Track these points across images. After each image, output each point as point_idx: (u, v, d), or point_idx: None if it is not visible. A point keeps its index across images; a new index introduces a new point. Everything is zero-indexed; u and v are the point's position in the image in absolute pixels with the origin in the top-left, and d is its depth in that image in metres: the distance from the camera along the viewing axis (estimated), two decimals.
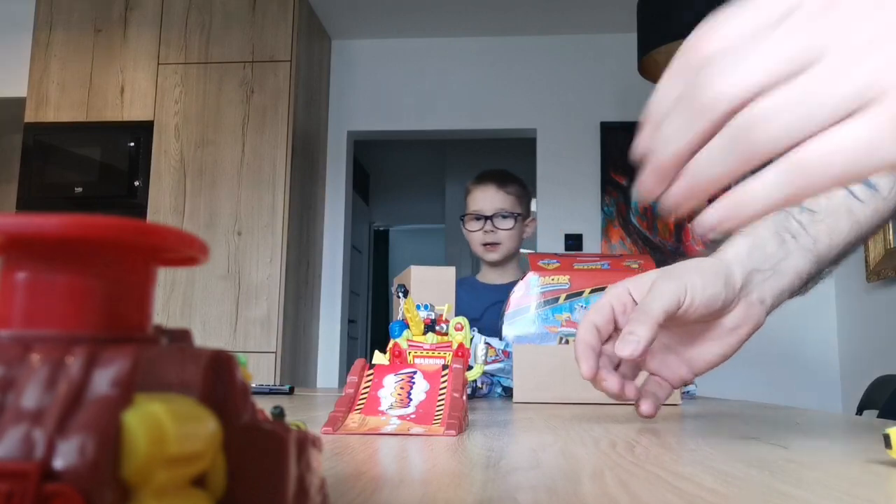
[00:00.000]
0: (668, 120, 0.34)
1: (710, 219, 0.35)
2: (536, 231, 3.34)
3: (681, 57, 0.34)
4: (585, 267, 1.26)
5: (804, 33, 0.30)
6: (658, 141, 0.35)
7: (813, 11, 0.30)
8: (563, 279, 1.24)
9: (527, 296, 1.23)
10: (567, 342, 1.19)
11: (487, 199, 1.82)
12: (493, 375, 1.19)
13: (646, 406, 0.65)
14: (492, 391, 1.21)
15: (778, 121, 0.30)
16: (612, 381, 0.62)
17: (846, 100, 0.29)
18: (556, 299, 1.22)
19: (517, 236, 1.83)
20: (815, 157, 0.30)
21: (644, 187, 0.37)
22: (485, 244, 1.80)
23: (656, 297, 0.60)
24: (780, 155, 0.31)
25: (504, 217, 1.80)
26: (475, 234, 1.82)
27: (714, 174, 0.33)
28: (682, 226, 3.42)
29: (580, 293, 1.23)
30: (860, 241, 0.72)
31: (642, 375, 0.69)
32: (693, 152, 0.33)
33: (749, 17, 0.32)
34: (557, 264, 1.26)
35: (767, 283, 0.66)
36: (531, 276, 1.24)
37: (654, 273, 0.65)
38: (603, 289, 1.23)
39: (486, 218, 1.80)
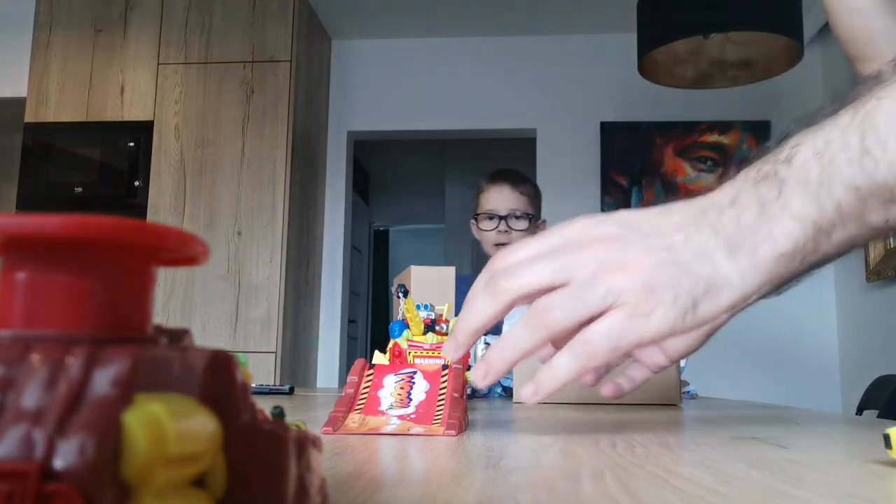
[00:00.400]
0: (475, 299, 0.49)
1: (526, 393, 0.49)
2: (536, 231, 3.34)
3: (489, 265, 0.50)
4: None
5: (564, 261, 0.46)
6: (467, 314, 0.49)
7: (572, 247, 0.46)
8: None
9: None
10: None
11: (502, 198, 1.81)
12: None
13: (606, 388, 0.70)
14: (492, 391, 1.21)
15: (555, 312, 0.45)
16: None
17: (595, 302, 0.45)
18: None
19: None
20: (586, 340, 0.46)
21: (446, 353, 0.51)
22: (497, 244, 1.79)
23: None
24: (569, 332, 0.46)
25: (518, 217, 1.79)
26: (488, 234, 1.81)
27: (520, 345, 0.48)
28: None
29: None
30: (847, 247, 0.76)
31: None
32: (487, 325, 0.49)
33: (532, 247, 0.48)
34: None
35: None
36: None
37: None
38: None
39: (501, 218, 1.79)
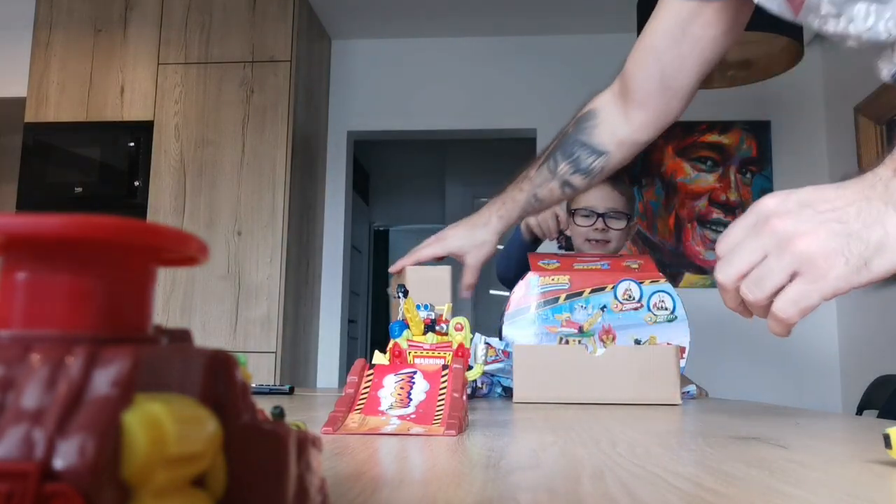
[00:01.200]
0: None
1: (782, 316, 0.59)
2: None
3: (717, 248, 0.63)
4: (585, 267, 1.26)
5: (755, 243, 0.57)
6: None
7: (760, 226, 0.58)
8: (563, 279, 1.24)
9: (527, 296, 1.23)
10: (567, 342, 1.19)
11: (602, 196, 1.79)
12: (493, 375, 1.19)
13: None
14: (492, 391, 1.21)
15: (753, 292, 0.58)
16: None
17: (785, 272, 0.56)
18: (556, 299, 1.22)
19: (625, 237, 1.81)
20: (778, 311, 0.57)
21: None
22: (590, 240, 1.78)
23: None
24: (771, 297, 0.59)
25: (615, 217, 1.78)
26: (582, 229, 1.79)
27: (731, 307, 0.63)
28: (681, 226, 3.42)
29: (580, 293, 1.23)
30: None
31: None
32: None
33: (735, 232, 0.60)
34: (557, 264, 1.26)
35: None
36: (531, 277, 1.24)
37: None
38: (603, 289, 1.24)
39: (599, 215, 1.78)
